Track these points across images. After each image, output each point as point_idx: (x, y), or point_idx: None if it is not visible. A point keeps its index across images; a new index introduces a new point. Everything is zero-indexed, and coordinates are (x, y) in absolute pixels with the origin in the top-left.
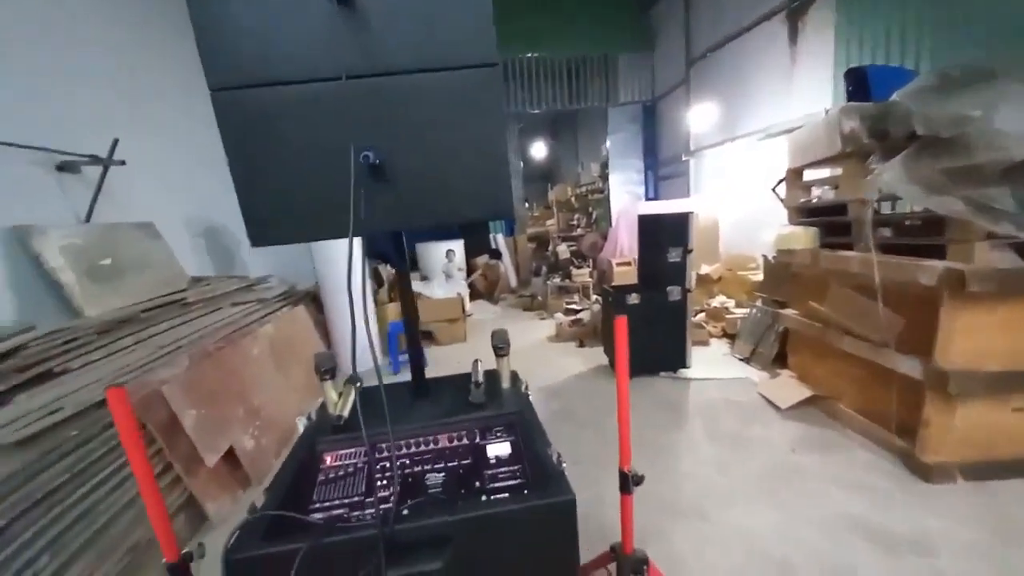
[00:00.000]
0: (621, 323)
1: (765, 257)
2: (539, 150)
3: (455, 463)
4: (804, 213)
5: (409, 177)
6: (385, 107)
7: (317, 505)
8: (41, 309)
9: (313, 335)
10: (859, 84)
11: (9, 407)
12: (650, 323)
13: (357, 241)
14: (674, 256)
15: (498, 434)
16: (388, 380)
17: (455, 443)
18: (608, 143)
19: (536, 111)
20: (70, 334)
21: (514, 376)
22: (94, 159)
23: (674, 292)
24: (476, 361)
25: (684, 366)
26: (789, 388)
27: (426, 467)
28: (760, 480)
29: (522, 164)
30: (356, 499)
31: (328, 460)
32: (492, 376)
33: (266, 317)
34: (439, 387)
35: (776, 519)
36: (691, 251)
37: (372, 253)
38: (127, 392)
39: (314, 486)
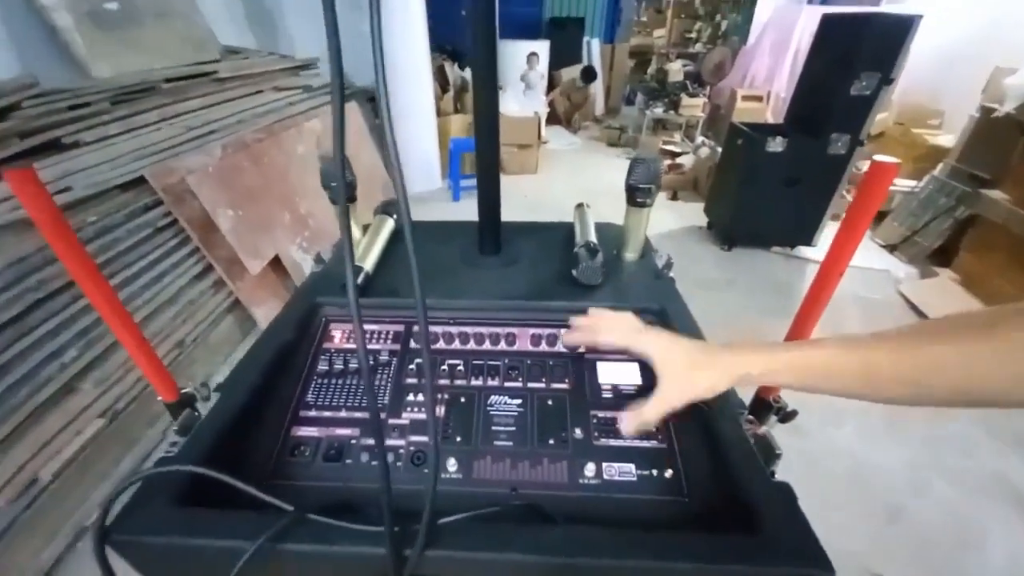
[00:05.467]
0: (883, 174)
1: (987, 110)
2: None
3: (541, 384)
4: None
5: None
6: None
7: (312, 413)
8: (40, 65)
9: (367, 141)
10: None
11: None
12: (787, 181)
13: (413, 17)
14: (863, 86)
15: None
16: (443, 210)
17: (543, 347)
18: None
19: None
20: (75, 96)
21: (647, 244)
22: None
23: (840, 143)
24: (582, 206)
25: (808, 243)
26: (946, 294)
27: (490, 382)
28: (886, 406)
29: None
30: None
31: (337, 337)
32: (607, 237)
33: (313, 110)
34: (520, 240)
35: (898, 457)
36: (892, 81)
37: (437, 45)
38: (35, 173)
39: (311, 377)
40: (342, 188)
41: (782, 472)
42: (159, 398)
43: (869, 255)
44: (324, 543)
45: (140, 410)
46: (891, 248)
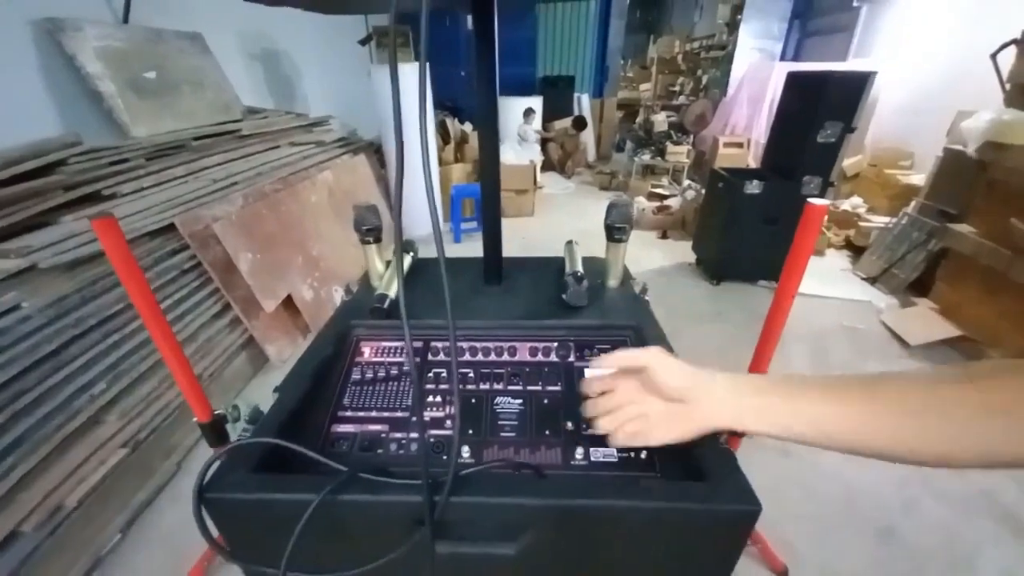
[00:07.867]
0: (815, 214)
1: (951, 151)
2: None
3: (538, 387)
4: None
5: None
6: None
7: (348, 413)
8: (84, 126)
9: (374, 190)
10: None
11: (52, 228)
12: (766, 220)
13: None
14: (828, 134)
15: (603, 355)
16: (447, 250)
17: (539, 358)
18: None
19: None
20: (117, 153)
21: (626, 273)
22: None
23: (812, 184)
24: (571, 243)
25: None
26: (926, 322)
27: (496, 386)
28: None
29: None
30: (402, 414)
31: (367, 352)
32: (592, 268)
33: (325, 163)
34: (518, 272)
35: (887, 477)
36: (854, 129)
37: (439, 102)
38: (117, 222)
39: (346, 385)
40: (399, 250)
41: (774, 495)
42: (194, 419)
43: (852, 287)
44: (373, 493)
45: (158, 441)
46: (872, 280)
